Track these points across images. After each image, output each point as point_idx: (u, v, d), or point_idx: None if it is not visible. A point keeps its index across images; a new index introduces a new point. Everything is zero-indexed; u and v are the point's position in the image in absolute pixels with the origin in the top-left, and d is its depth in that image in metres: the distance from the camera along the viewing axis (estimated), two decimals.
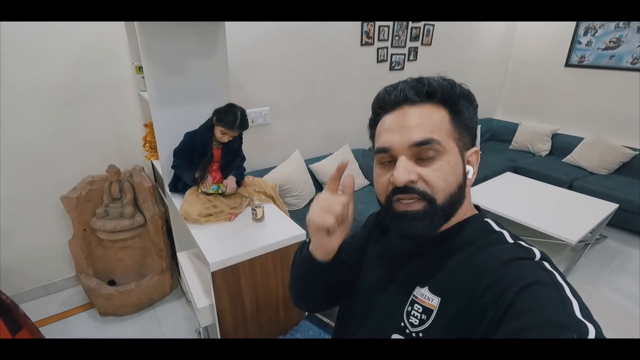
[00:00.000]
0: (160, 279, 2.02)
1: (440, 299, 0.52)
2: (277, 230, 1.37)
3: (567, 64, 3.61)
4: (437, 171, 0.51)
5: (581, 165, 3.28)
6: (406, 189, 0.52)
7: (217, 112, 1.44)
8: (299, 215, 2.44)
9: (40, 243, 2.02)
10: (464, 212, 0.58)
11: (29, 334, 1.17)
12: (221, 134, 1.44)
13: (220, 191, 1.48)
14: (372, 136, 0.60)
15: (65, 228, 2.03)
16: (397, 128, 0.53)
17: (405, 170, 0.51)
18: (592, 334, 0.37)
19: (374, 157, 0.58)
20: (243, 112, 1.45)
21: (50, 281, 2.13)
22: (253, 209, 1.41)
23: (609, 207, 2.49)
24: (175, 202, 1.56)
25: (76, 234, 1.93)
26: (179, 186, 1.60)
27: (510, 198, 2.64)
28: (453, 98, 0.54)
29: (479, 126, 3.76)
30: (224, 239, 1.32)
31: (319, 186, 2.75)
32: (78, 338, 1.82)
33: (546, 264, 0.48)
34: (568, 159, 3.40)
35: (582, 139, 3.41)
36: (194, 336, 1.87)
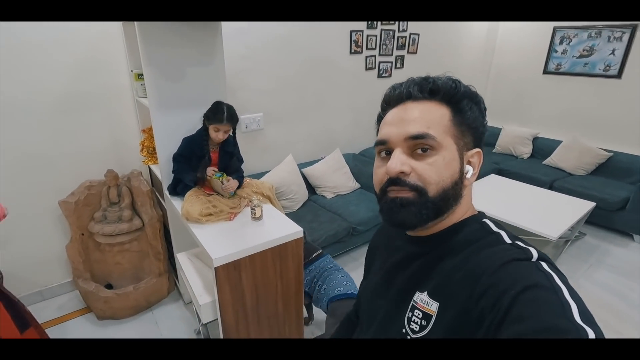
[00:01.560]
0: (157, 281, 2.05)
1: (438, 304, 0.52)
2: (276, 228, 1.44)
3: (545, 71, 3.80)
4: (430, 165, 0.52)
5: (560, 167, 3.44)
6: (398, 181, 0.53)
7: (206, 115, 1.51)
8: (292, 218, 2.46)
9: (37, 248, 2.04)
10: (462, 212, 0.57)
11: (35, 333, 1.20)
12: (215, 132, 1.49)
13: (222, 180, 1.53)
14: (378, 131, 0.62)
15: (62, 233, 2.06)
16: (396, 121, 0.55)
17: (398, 161, 0.52)
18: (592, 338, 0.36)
19: (375, 149, 0.60)
20: (230, 106, 1.52)
21: (46, 286, 2.13)
22: (252, 208, 1.48)
23: (586, 206, 2.63)
24: (175, 204, 1.61)
25: (74, 238, 1.95)
26: (178, 189, 1.66)
27: (495, 198, 2.77)
28: (456, 96, 0.55)
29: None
30: (225, 237, 1.38)
31: (311, 189, 2.83)
32: (82, 338, 1.84)
33: (544, 265, 0.46)
34: (548, 161, 3.56)
35: (560, 141, 3.58)
36: (193, 337, 1.90)
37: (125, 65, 2.01)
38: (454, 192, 0.54)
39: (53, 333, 1.90)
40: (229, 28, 2.18)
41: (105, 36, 1.92)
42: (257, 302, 1.42)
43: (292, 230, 1.42)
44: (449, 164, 0.53)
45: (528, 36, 3.88)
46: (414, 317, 0.54)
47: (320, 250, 1.83)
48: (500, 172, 3.50)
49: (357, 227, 2.47)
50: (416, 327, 0.54)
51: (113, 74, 2.00)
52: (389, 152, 0.56)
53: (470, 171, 0.56)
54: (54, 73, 1.84)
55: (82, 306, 2.07)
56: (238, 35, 2.29)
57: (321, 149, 3.03)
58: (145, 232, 2.01)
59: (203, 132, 1.54)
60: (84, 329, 1.95)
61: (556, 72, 3.72)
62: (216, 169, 1.56)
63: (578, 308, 0.39)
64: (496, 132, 4.10)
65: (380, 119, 0.62)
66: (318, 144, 3.03)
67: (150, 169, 2.08)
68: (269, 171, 2.62)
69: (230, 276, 1.30)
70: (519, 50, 3.99)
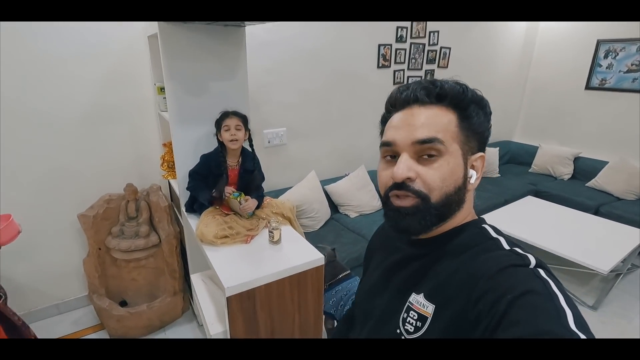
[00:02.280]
0: (172, 300, 1.98)
1: (434, 306, 0.52)
2: (295, 254, 1.33)
3: (588, 87, 3.54)
4: (436, 170, 0.52)
5: (607, 190, 3.15)
6: (403, 186, 0.53)
7: (215, 123, 1.47)
8: (313, 237, 2.38)
9: (55, 261, 2.02)
10: (463, 217, 0.57)
11: None
12: (227, 132, 1.42)
13: (240, 200, 1.44)
14: (382, 132, 0.61)
15: (80, 246, 2.03)
16: (403, 125, 0.54)
17: (405, 167, 0.52)
18: None
19: (380, 151, 0.59)
20: (232, 110, 1.47)
21: (63, 300, 2.11)
22: (270, 231, 1.38)
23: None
24: (191, 222, 1.54)
25: (91, 253, 1.92)
26: (195, 206, 1.59)
27: (533, 223, 2.54)
28: (463, 102, 0.54)
29: (499, 146, 3.73)
30: (240, 261, 1.28)
31: (334, 208, 2.71)
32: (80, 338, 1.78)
33: (541, 272, 0.46)
34: (592, 183, 3.28)
35: (605, 162, 3.30)
36: None
37: (149, 78, 1.99)
38: (456, 198, 0.54)
39: None
40: (253, 42, 2.14)
41: (131, 50, 1.92)
42: (272, 334, 1.30)
43: (312, 257, 1.30)
44: (454, 170, 0.53)
45: (568, 49, 3.65)
46: (409, 318, 0.54)
47: (349, 271, 1.70)
48: (538, 194, 3.25)
49: None
50: (411, 328, 0.54)
51: (137, 87, 1.99)
52: (394, 156, 0.56)
53: (474, 175, 0.56)
54: (79, 87, 1.84)
55: (97, 322, 2.03)
56: (263, 49, 2.25)
57: (345, 165, 2.92)
58: (162, 248, 1.95)
59: (219, 149, 1.48)
60: None
61: (600, 88, 3.46)
62: (234, 189, 1.48)
63: (573, 315, 0.40)
64: (532, 150, 3.84)
65: (384, 120, 0.61)
66: (342, 160, 2.92)
67: (170, 184, 2.03)
68: (290, 187, 2.53)
69: (244, 306, 1.19)
70: (558, 65, 3.76)
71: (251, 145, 1.54)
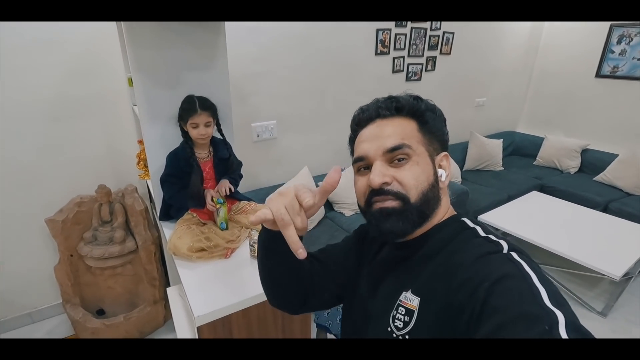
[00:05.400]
0: (152, 309, 1.84)
1: (419, 298, 0.54)
2: None
3: (598, 75, 3.34)
4: (408, 171, 0.56)
5: (616, 185, 3.00)
6: (381, 191, 0.56)
7: (178, 115, 1.29)
8: (306, 240, 2.19)
9: (26, 268, 1.87)
10: (442, 214, 0.60)
11: None
12: (195, 129, 1.25)
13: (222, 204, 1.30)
14: (352, 152, 0.66)
15: (52, 251, 1.87)
16: (372, 138, 0.59)
17: (380, 173, 0.55)
18: (561, 322, 0.38)
19: (353, 167, 0.63)
20: (199, 96, 1.29)
21: (36, 308, 1.97)
22: (251, 245, 1.22)
23: None
24: (166, 232, 1.38)
25: (62, 260, 1.77)
26: (171, 212, 1.42)
27: (538, 222, 2.39)
28: (419, 110, 0.60)
29: (501, 141, 3.55)
30: (215, 281, 1.12)
31: (329, 205, 2.56)
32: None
33: (514, 255, 0.49)
34: (601, 177, 3.12)
35: (616, 155, 3.13)
36: None
37: (122, 68, 1.79)
38: (432, 195, 0.57)
39: None
40: (237, 26, 1.94)
41: (100, 37, 1.71)
42: None
43: None
44: (424, 168, 0.57)
45: (578, 34, 3.43)
46: (397, 314, 0.56)
47: None
48: (543, 189, 3.09)
49: None
50: (400, 324, 0.55)
51: (108, 78, 1.79)
52: (368, 167, 0.59)
53: (443, 174, 0.60)
54: (42, 76, 1.65)
55: (72, 332, 1.89)
56: (249, 35, 2.04)
57: (341, 160, 2.72)
58: (139, 255, 1.79)
59: (185, 142, 1.30)
60: None
61: (612, 76, 3.26)
62: (218, 195, 1.30)
63: (547, 292, 0.42)
64: (538, 142, 3.66)
65: (352, 140, 0.67)
66: (337, 155, 2.74)
67: (147, 185, 1.86)
68: (281, 184, 2.36)
69: (219, 335, 1.04)
70: (567, 50, 3.54)
71: (220, 131, 1.37)
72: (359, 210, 2.45)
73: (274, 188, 2.33)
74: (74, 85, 1.72)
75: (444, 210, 0.61)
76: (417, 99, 0.62)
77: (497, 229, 2.25)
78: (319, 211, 2.38)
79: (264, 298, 1.08)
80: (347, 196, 2.50)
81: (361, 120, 0.64)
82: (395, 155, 0.56)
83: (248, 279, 1.14)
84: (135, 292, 1.90)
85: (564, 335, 0.36)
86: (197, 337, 1.03)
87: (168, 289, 1.43)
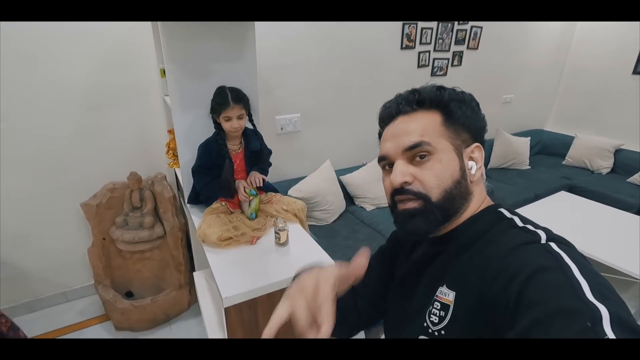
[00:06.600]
0: (177, 294, 1.90)
1: (455, 292, 0.53)
2: (302, 259, 1.19)
3: (636, 71, 3.19)
4: (429, 170, 0.54)
5: None
6: (403, 190, 0.56)
7: (211, 108, 1.31)
8: (326, 232, 2.26)
9: (62, 248, 1.97)
10: (475, 207, 0.58)
11: None
12: (228, 122, 1.27)
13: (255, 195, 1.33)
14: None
15: (86, 234, 1.97)
16: (391, 137, 0.58)
17: (399, 173, 0.55)
18: (605, 316, 0.35)
19: (379, 165, 0.63)
20: (233, 88, 1.30)
21: (71, 288, 2.08)
22: (276, 232, 1.25)
23: None
24: (194, 218, 1.43)
25: (95, 243, 1.85)
26: (200, 197, 1.47)
27: (566, 222, 2.32)
28: (443, 102, 0.57)
29: (525, 139, 3.45)
30: (242, 266, 1.16)
31: (349, 199, 2.56)
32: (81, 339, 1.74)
33: (553, 245, 0.46)
34: (635, 178, 2.98)
35: None
36: None
37: (154, 60, 1.86)
38: (458, 191, 0.55)
39: None
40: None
41: (135, 29, 1.78)
42: None
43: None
44: (447, 165, 0.55)
45: (614, 30, 3.27)
46: (433, 309, 0.55)
47: None
48: (572, 189, 2.99)
49: None
50: (436, 319, 0.54)
51: (142, 69, 1.86)
52: (392, 165, 0.58)
53: (474, 167, 0.57)
54: (81, 67, 1.73)
55: (103, 312, 1.98)
56: (275, 28, 2.07)
57: (363, 154, 2.73)
58: (167, 240, 1.86)
59: (217, 134, 1.32)
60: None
61: None
62: (250, 186, 1.33)
63: (589, 285, 0.39)
64: (567, 141, 3.54)
65: (380, 135, 0.65)
66: (360, 149, 2.74)
67: (175, 173, 1.93)
68: (303, 177, 2.38)
69: (244, 317, 1.08)
70: (602, 46, 3.39)
71: (251, 121, 1.39)
72: (380, 205, 2.45)
73: (296, 181, 2.36)
74: (109, 75, 1.80)
75: (478, 202, 0.59)
76: (440, 89, 0.58)
77: None
78: (339, 204, 2.40)
79: (288, 284, 1.11)
80: (369, 190, 2.50)
81: (384, 117, 0.63)
82: (416, 153, 0.55)
83: (273, 264, 1.17)
84: (162, 276, 1.97)
85: (608, 331, 0.33)
86: (223, 319, 1.07)
87: (195, 273, 1.49)
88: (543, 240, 0.47)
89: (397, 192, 0.56)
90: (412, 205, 0.55)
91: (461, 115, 0.57)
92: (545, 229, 0.50)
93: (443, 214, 0.55)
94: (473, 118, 0.59)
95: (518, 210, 0.57)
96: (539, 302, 0.39)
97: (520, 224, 0.53)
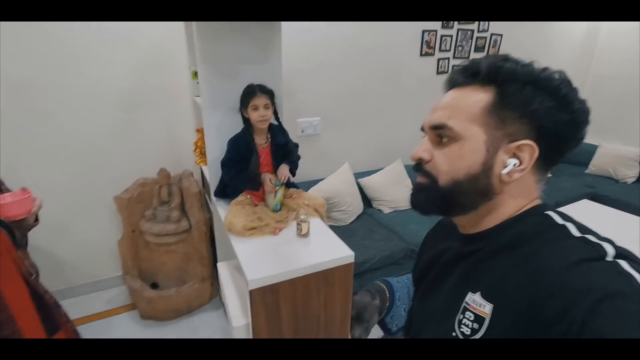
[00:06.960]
0: (200, 287, 1.98)
1: (493, 305, 0.47)
2: (323, 249, 1.24)
3: None
4: (445, 155, 0.51)
5: None
6: (418, 166, 0.54)
7: (240, 102, 1.40)
8: (344, 232, 2.30)
9: (95, 240, 2.09)
10: (517, 206, 0.51)
11: (64, 337, 1.15)
12: (255, 112, 1.35)
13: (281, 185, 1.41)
14: None
15: (116, 227, 2.08)
16: (433, 109, 0.54)
17: (420, 148, 0.53)
18: None
19: None
20: (257, 84, 1.39)
21: (100, 278, 2.19)
22: (298, 224, 1.31)
23: None
24: (220, 210, 1.51)
25: (125, 234, 1.96)
26: (227, 190, 1.54)
27: None
28: (499, 77, 0.48)
29: None
30: (265, 254, 1.22)
31: (367, 202, 2.60)
32: (109, 338, 1.83)
33: (623, 264, 0.39)
34: None
35: None
36: None
37: (185, 63, 1.98)
38: (473, 186, 0.49)
39: (97, 328, 1.91)
40: (290, 26, 2.06)
41: (168, 34, 1.91)
42: (296, 333, 1.23)
43: (341, 254, 1.21)
44: (466, 155, 0.49)
45: (638, 36, 3.23)
46: (465, 320, 0.50)
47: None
48: (595, 198, 2.93)
49: (416, 249, 2.17)
50: (467, 331, 0.49)
51: (173, 72, 1.99)
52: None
53: (510, 165, 0.47)
54: (116, 70, 1.87)
55: (129, 302, 2.08)
56: (300, 34, 2.17)
57: (381, 158, 2.78)
58: (192, 234, 1.95)
59: (246, 128, 1.41)
60: (126, 327, 1.94)
61: None
62: (276, 178, 1.41)
63: None
64: (590, 149, 3.48)
65: None
66: (378, 153, 2.79)
67: (202, 170, 2.02)
68: (322, 179, 2.45)
69: (267, 301, 1.13)
70: (628, 53, 3.34)
71: (277, 118, 1.47)
72: (397, 208, 2.48)
73: (315, 182, 2.42)
74: (144, 78, 1.93)
75: (521, 202, 0.51)
76: (504, 59, 0.49)
77: None
78: (357, 205, 2.45)
79: (309, 272, 1.16)
80: (386, 193, 2.54)
81: (445, 86, 0.57)
82: (439, 134, 0.51)
83: (294, 253, 1.22)
84: (186, 269, 2.06)
85: None
86: (248, 302, 1.13)
87: (218, 264, 1.55)
88: (610, 257, 0.40)
89: (415, 166, 0.55)
90: (421, 180, 0.54)
91: (519, 99, 0.47)
92: (610, 241, 0.43)
93: (445, 202, 0.52)
94: (544, 110, 0.46)
95: None
96: (608, 334, 0.34)
97: (576, 233, 0.45)
